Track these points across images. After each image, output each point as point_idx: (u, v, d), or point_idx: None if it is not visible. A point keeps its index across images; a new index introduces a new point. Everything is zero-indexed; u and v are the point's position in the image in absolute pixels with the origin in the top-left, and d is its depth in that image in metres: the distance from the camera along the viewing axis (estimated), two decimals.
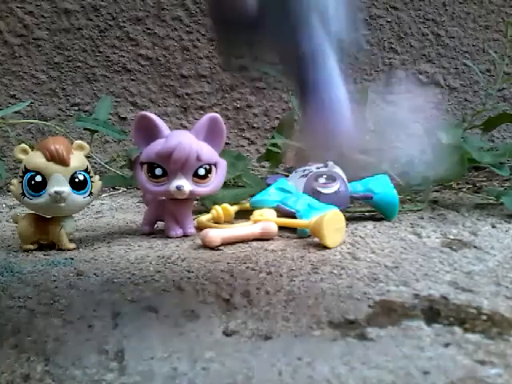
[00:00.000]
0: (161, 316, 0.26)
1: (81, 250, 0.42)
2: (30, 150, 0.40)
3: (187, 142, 0.43)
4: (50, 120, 0.79)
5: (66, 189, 0.39)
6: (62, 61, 0.79)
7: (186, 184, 0.43)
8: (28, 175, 0.39)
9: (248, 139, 0.88)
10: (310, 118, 0.20)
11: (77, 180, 0.40)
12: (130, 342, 0.23)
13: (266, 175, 0.70)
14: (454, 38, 0.97)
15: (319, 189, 0.49)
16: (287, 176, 0.57)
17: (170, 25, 0.82)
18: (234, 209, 0.51)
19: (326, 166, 0.53)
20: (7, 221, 0.55)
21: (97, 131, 0.60)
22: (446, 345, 0.22)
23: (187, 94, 0.85)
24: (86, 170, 0.41)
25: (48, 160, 0.39)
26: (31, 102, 0.77)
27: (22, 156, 0.40)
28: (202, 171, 0.44)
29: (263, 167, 0.76)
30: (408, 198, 0.57)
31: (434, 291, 0.29)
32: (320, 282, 0.31)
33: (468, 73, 0.98)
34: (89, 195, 0.41)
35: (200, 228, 0.46)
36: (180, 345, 0.23)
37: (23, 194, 0.40)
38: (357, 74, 0.92)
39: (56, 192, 0.39)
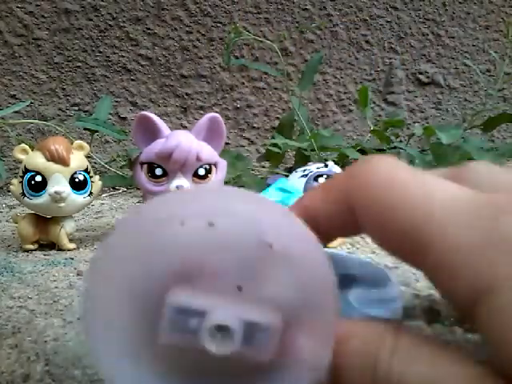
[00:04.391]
0: None
1: (81, 249, 0.41)
2: (30, 150, 0.40)
3: (187, 142, 0.43)
4: (50, 120, 0.79)
5: (65, 189, 0.39)
6: (61, 61, 0.79)
7: (185, 184, 0.43)
8: (28, 175, 0.39)
9: (248, 139, 0.88)
10: None
11: (77, 180, 0.40)
12: None
13: (266, 175, 0.70)
14: (453, 37, 0.97)
15: None
16: (287, 176, 0.57)
17: (170, 25, 0.82)
18: None
19: (326, 166, 0.53)
20: (7, 221, 0.55)
21: (97, 131, 0.60)
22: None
23: (187, 94, 0.85)
24: (86, 170, 0.41)
25: (48, 160, 0.39)
26: (31, 102, 0.77)
27: (21, 156, 0.40)
28: (201, 171, 0.44)
29: (263, 167, 0.76)
30: None
31: (434, 291, 0.29)
32: None
33: (468, 73, 0.98)
34: (89, 195, 0.41)
35: None
36: None
37: (23, 194, 0.40)
38: (357, 73, 0.92)
39: (56, 192, 0.39)
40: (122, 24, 0.81)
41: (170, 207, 0.16)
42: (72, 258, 0.38)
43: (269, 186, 0.52)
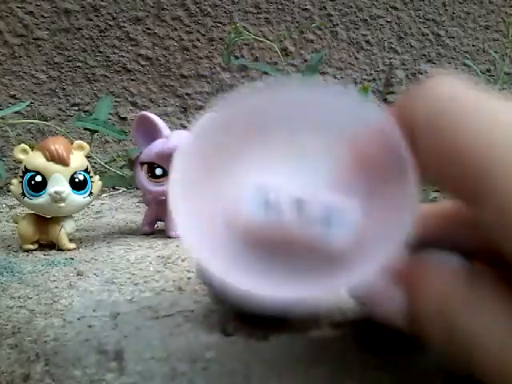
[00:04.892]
0: (160, 316, 0.26)
1: (81, 249, 0.42)
2: (29, 150, 0.40)
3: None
4: (50, 120, 0.79)
5: (65, 189, 0.39)
6: (61, 61, 0.79)
7: None
8: (28, 175, 0.40)
9: None
10: None
11: (77, 180, 0.40)
12: (129, 342, 0.23)
13: None
14: (453, 37, 0.97)
15: None
16: None
17: (170, 25, 0.82)
18: None
19: None
20: (7, 221, 0.55)
21: (97, 131, 0.60)
22: None
23: (187, 94, 0.85)
24: (86, 170, 0.41)
25: (48, 160, 0.39)
26: (31, 102, 0.77)
27: (22, 156, 0.40)
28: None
29: None
30: None
31: None
32: None
33: (468, 73, 0.98)
34: (89, 195, 0.41)
35: None
36: (179, 345, 0.23)
37: (23, 194, 0.40)
38: (357, 73, 0.92)
39: (56, 192, 0.39)
40: (122, 24, 0.81)
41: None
42: (72, 258, 0.38)
43: None
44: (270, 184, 0.15)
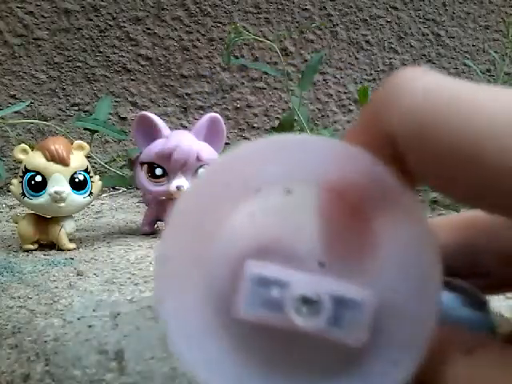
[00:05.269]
0: None
1: (81, 249, 0.42)
2: (30, 150, 0.40)
3: (187, 142, 0.43)
4: (50, 120, 0.79)
5: (65, 189, 0.39)
6: (61, 61, 0.79)
7: (186, 184, 0.43)
8: (28, 175, 0.40)
9: (248, 139, 0.88)
10: None
11: (77, 180, 0.40)
12: (129, 342, 0.23)
13: None
14: (453, 37, 0.97)
15: None
16: None
17: (170, 25, 0.82)
18: None
19: None
20: (7, 221, 0.55)
21: (97, 131, 0.60)
22: None
23: (187, 94, 0.85)
24: (86, 170, 0.41)
25: (48, 160, 0.39)
26: (31, 102, 0.77)
27: (21, 156, 0.40)
28: (202, 171, 0.44)
29: None
30: None
31: None
32: None
33: (468, 73, 0.98)
34: (89, 195, 0.41)
35: None
36: None
37: (23, 194, 0.40)
38: (357, 73, 0.92)
39: (56, 192, 0.39)
40: (122, 24, 0.81)
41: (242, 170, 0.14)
42: (72, 258, 0.38)
43: None
44: (270, 277, 0.13)
